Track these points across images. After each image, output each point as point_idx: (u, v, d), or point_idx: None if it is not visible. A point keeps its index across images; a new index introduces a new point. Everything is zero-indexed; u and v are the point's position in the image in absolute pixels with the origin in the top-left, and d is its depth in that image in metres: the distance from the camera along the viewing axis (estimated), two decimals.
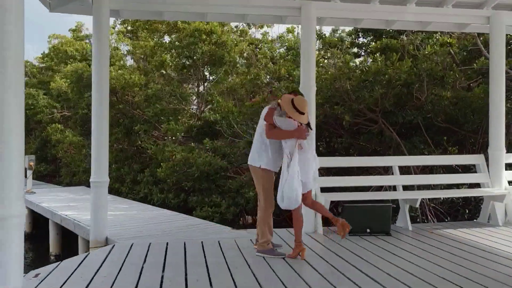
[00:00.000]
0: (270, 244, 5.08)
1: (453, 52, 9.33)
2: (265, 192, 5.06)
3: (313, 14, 6.58)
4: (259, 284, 4.07)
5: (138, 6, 6.79)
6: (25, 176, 12.66)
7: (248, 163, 5.19)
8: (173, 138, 11.35)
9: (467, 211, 8.47)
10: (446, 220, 8.35)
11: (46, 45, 26.54)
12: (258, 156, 5.06)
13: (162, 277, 4.26)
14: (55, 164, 19.12)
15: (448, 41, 8.66)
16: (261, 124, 5.03)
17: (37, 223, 11.51)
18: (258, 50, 13.82)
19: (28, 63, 24.48)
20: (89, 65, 13.73)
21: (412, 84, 8.31)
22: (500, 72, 7.13)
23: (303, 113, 4.74)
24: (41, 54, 24.45)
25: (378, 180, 7.42)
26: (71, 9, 6.30)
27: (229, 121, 11.63)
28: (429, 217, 8.04)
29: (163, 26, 13.02)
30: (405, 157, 7.87)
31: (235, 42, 13.28)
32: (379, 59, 8.16)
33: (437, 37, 8.72)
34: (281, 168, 4.91)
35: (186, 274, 4.33)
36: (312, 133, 5.16)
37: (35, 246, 10.93)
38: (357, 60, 10.24)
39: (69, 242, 8.94)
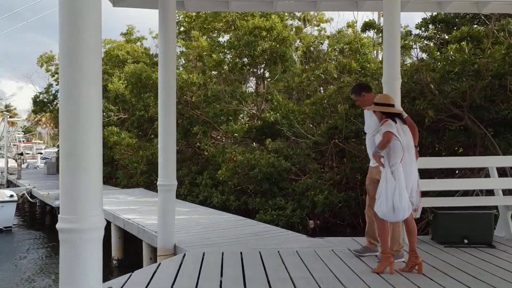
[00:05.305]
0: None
1: None
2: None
3: None
4: None
5: None
6: None
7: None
8: (234, 138, 10.89)
9: None
10: None
11: None
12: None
13: None
14: (111, 166, 19.33)
15: None
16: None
17: None
18: (327, 43, 13.15)
19: None
20: (147, 65, 13.57)
21: (505, 75, 7.33)
22: None
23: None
24: None
25: (472, 183, 6.56)
26: (135, 3, 5.96)
27: (290, 121, 11.07)
28: None
29: (221, 24, 12.61)
30: (504, 157, 6.92)
31: (301, 36, 12.67)
32: (466, 48, 7.25)
33: None
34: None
35: None
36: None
37: None
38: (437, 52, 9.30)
39: (132, 246, 8.67)
